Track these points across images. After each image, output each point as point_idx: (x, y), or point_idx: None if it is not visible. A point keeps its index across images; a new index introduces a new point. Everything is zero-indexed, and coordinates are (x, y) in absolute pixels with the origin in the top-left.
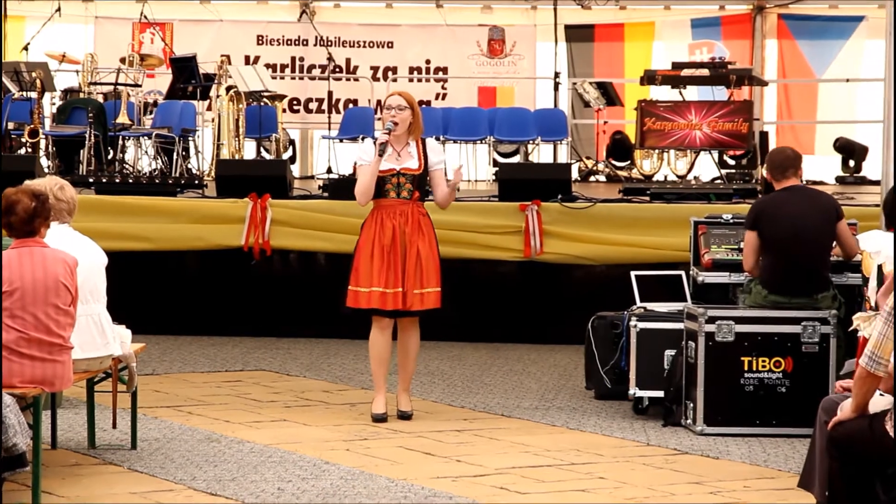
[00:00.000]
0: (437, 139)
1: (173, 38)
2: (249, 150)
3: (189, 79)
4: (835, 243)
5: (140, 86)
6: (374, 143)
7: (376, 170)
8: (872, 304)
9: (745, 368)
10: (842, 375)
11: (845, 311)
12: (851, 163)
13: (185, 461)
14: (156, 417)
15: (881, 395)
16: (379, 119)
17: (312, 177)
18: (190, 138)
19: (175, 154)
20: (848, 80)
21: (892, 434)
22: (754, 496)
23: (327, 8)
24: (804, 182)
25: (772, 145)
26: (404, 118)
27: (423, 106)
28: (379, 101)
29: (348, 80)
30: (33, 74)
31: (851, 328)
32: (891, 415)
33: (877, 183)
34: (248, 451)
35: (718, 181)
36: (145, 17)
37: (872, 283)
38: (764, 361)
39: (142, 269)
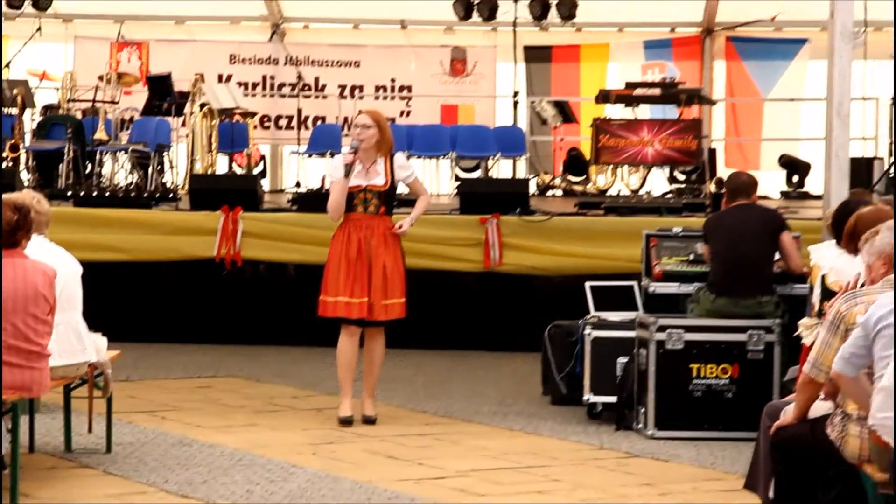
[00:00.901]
0: (401, 153)
1: (149, 58)
2: (222, 165)
3: (164, 96)
4: (779, 260)
5: (117, 103)
6: (343, 160)
7: (346, 187)
8: (816, 312)
9: (694, 375)
10: (785, 382)
11: (789, 319)
12: (795, 178)
13: (157, 464)
14: (130, 422)
15: (822, 400)
16: (346, 135)
17: (282, 190)
18: (165, 153)
19: (150, 168)
20: (792, 100)
21: (832, 438)
22: (702, 497)
23: (297, 29)
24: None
25: (719, 161)
26: (369, 136)
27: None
28: (346, 118)
29: (317, 97)
30: (14, 91)
31: (796, 334)
32: (831, 419)
33: (819, 198)
34: (219, 455)
35: (669, 196)
36: (123, 36)
37: (816, 291)
38: (712, 368)
39: (118, 279)
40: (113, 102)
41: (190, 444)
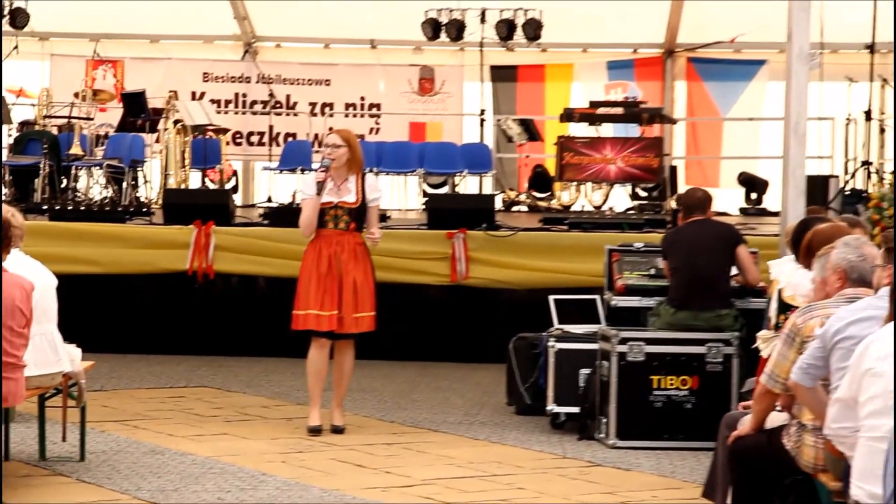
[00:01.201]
0: (371, 171)
1: (124, 75)
2: (195, 180)
3: (139, 113)
4: (737, 274)
5: (92, 119)
6: (315, 178)
7: (317, 205)
8: (773, 325)
9: (655, 386)
10: (743, 393)
11: (747, 332)
12: (753, 195)
13: (130, 472)
14: (103, 431)
15: (779, 410)
16: (317, 152)
17: (254, 205)
18: (139, 168)
19: (125, 183)
20: (751, 119)
21: (788, 448)
22: None
23: (269, 48)
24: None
25: (680, 179)
26: (340, 155)
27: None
28: (317, 135)
29: (288, 115)
30: None
31: (754, 346)
32: (787, 429)
33: (776, 214)
34: (191, 463)
35: (631, 212)
36: (98, 54)
37: (773, 305)
38: (672, 380)
39: (92, 292)
40: (88, 119)
41: (162, 452)
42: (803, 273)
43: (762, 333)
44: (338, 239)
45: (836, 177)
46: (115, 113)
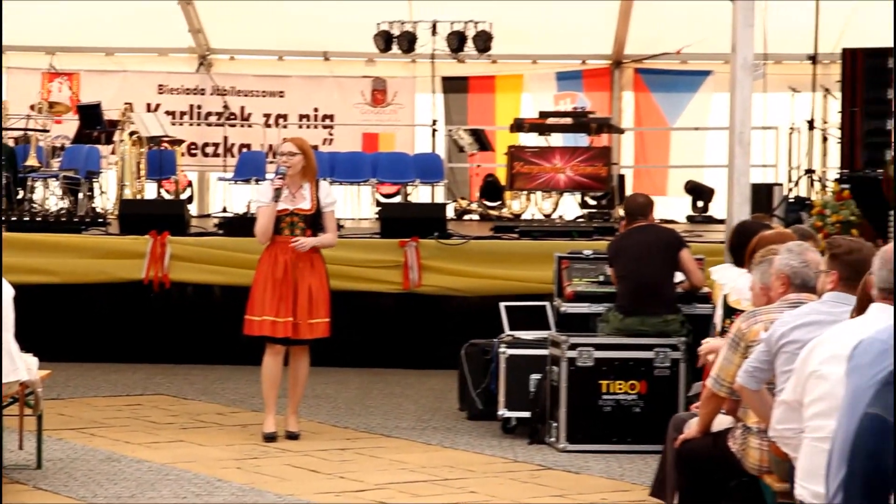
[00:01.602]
0: (325, 180)
1: (80, 87)
2: (150, 191)
3: (94, 125)
4: (683, 278)
5: (48, 131)
6: (272, 184)
7: (274, 212)
8: (719, 330)
9: (604, 391)
10: (690, 397)
11: (694, 338)
12: (700, 203)
13: (87, 479)
14: (60, 439)
15: (724, 414)
16: (271, 162)
17: (209, 215)
18: (95, 179)
19: (81, 194)
20: (696, 129)
21: (734, 450)
22: None
23: (223, 60)
24: (658, 221)
25: (628, 187)
26: (295, 163)
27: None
28: (271, 146)
29: (242, 126)
30: None
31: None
32: (733, 432)
33: (722, 222)
34: (147, 470)
35: (580, 220)
36: (54, 67)
37: (718, 311)
38: (620, 384)
39: (49, 301)
40: (44, 131)
41: (118, 459)
42: (748, 278)
43: (708, 340)
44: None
45: (781, 185)
46: (70, 125)
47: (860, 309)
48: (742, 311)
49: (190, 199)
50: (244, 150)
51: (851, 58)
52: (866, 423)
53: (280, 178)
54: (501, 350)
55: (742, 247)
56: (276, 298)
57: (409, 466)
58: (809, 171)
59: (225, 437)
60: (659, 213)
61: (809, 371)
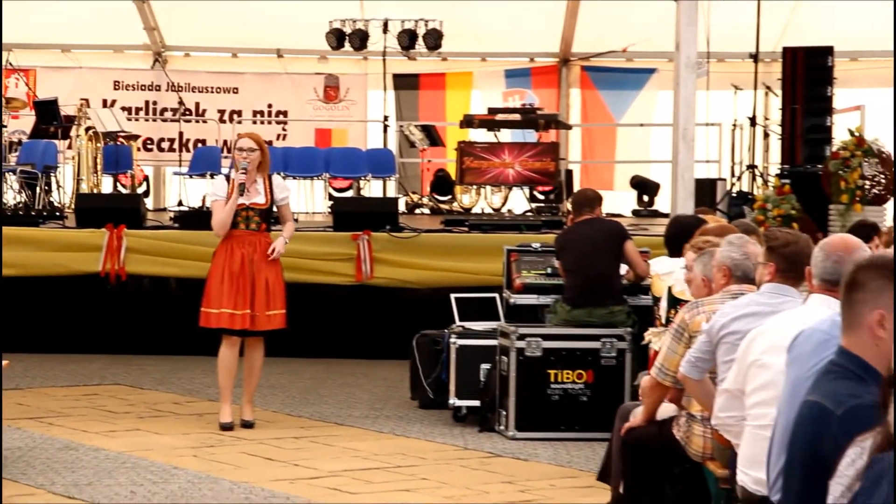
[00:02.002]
0: (278, 174)
1: (36, 83)
2: (107, 185)
3: (51, 120)
4: (628, 269)
5: (6, 126)
6: (227, 179)
7: (234, 206)
8: (663, 321)
9: (552, 380)
10: (636, 386)
11: (639, 328)
12: (645, 198)
13: (45, 468)
14: (19, 428)
15: (669, 402)
16: (226, 157)
17: (165, 209)
18: (52, 174)
19: (38, 188)
20: (642, 125)
21: (678, 437)
22: (559, 493)
23: (178, 57)
24: (604, 215)
25: (576, 182)
26: (254, 158)
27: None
28: (226, 142)
29: (197, 121)
30: None
31: (644, 342)
32: (677, 420)
33: (667, 216)
34: (104, 458)
35: (529, 214)
36: (10, 63)
37: (663, 302)
38: (568, 374)
39: (7, 294)
40: (1, 126)
41: (76, 448)
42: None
43: (652, 330)
44: (249, 239)
45: (724, 180)
46: (27, 120)
47: None
48: (686, 302)
49: (146, 193)
50: (199, 145)
51: (792, 56)
52: (805, 411)
53: (243, 173)
54: (452, 340)
55: (677, 239)
56: (234, 291)
57: (361, 454)
58: (751, 167)
59: (181, 426)
60: (605, 208)
61: (751, 360)
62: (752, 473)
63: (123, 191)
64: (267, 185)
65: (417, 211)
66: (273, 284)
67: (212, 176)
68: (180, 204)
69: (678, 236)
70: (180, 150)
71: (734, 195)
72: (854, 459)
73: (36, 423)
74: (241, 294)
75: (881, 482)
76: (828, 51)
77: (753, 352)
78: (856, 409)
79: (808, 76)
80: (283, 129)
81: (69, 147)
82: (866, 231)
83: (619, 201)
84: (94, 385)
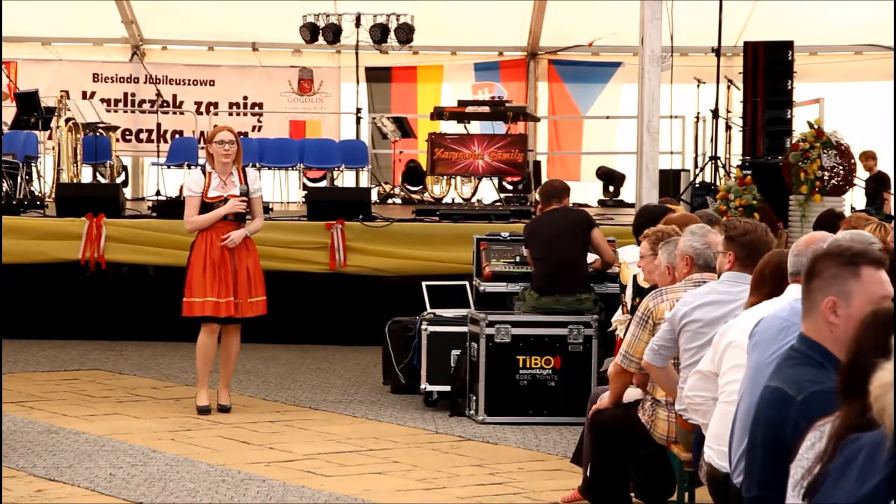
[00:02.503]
0: (254, 166)
1: (17, 75)
2: (86, 175)
3: (32, 111)
4: (595, 258)
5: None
6: (204, 172)
7: (216, 218)
8: (629, 308)
9: (521, 366)
10: (602, 372)
11: (605, 315)
12: (611, 188)
13: (26, 451)
14: None
15: (635, 386)
16: (202, 148)
17: (143, 198)
18: (33, 164)
19: (19, 178)
20: (608, 117)
21: (643, 421)
22: (527, 476)
23: (156, 50)
24: (571, 205)
25: (543, 173)
26: (235, 151)
27: (242, 137)
28: (202, 132)
29: (175, 113)
30: None
31: (610, 329)
32: (642, 404)
33: (632, 206)
34: (84, 441)
35: (498, 203)
36: None
37: (629, 290)
38: (536, 360)
39: None
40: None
41: (57, 431)
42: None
43: (617, 316)
44: (228, 229)
45: (687, 171)
46: (8, 111)
47: (756, 291)
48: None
49: (125, 183)
50: (176, 136)
51: (753, 51)
52: (767, 396)
53: (243, 202)
54: (423, 327)
55: (644, 227)
56: (217, 280)
57: (335, 438)
58: (714, 158)
59: (159, 411)
60: (572, 198)
61: (727, 342)
62: (720, 448)
63: (103, 181)
64: (241, 176)
65: (389, 201)
66: (253, 272)
67: (189, 166)
68: (158, 194)
69: (646, 225)
70: (158, 141)
71: (697, 186)
72: (814, 443)
73: (17, 408)
74: (223, 283)
75: (851, 464)
76: (788, 45)
77: (730, 335)
78: (816, 395)
79: (768, 70)
80: (259, 121)
81: (49, 138)
82: (833, 220)
83: (585, 192)
84: (74, 370)
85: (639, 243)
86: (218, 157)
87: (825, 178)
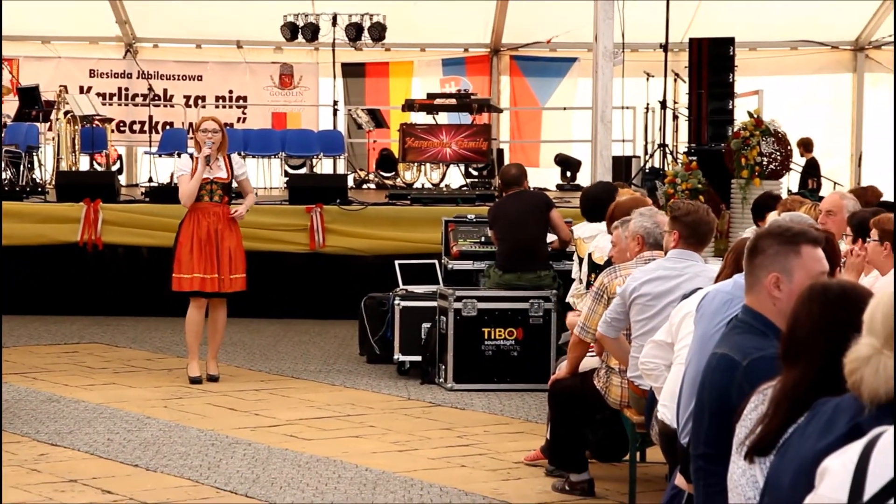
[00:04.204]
0: (239, 154)
1: (19, 71)
2: (84, 164)
3: (33, 105)
4: (554, 239)
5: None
6: (192, 157)
7: (199, 179)
8: (582, 280)
9: (486, 337)
10: (560, 344)
11: (564, 290)
12: (568, 174)
13: (30, 418)
14: (5, 383)
15: (591, 356)
16: (191, 138)
17: (136, 185)
18: (34, 153)
19: (21, 166)
20: (565, 109)
21: (598, 388)
22: (492, 438)
23: (147, 48)
24: (531, 188)
25: (506, 160)
26: (218, 139)
27: (227, 127)
28: (191, 124)
29: (165, 106)
30: None
31: (567, 300)
32: (597, 372)
33: None
34: (84, 409)
35: (465, 188)
36: None
37: (584, 266)
38: (500, 331)
39: None
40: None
41: (58, 400)
42: (608, 237)
43: (574, 291)
44: (214, 210)
45: (638, 157)
46: (11, 105)
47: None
48: (605, 267)
49: (119, 171)
50: (167, 127)
51: (697, 47)
52: (714, 362)
53: (209, 149)
54: (396, 302)
55: (592, 207)
56: (203, 257)
57: (315, 404)
58: (662, 146)
59: (153, 380)
60: (532, 183)
61: (684, 314)
62: (673, 406)
63: (99, 168)
64: (227, 162)
65: (364, 186)
66: (235, 251)
67: (178, 155)
68: (150, 180)
69: (595, 206)
70: (150, 132)
71: (647, 171)
72: (757, 405)
73: (21, 378)
74: (209, 260)
75: (814, 422)
76: (729, 41)
77: (685, 306)
78: (759, 361)
79: (712, 64)
80: (243, 113)
81: (49, 129)
82: (770, 202)
83: (544, 177)
84: (74, 343)
85: (590, 220)
86: (204, 143)
87: (764, 163)
